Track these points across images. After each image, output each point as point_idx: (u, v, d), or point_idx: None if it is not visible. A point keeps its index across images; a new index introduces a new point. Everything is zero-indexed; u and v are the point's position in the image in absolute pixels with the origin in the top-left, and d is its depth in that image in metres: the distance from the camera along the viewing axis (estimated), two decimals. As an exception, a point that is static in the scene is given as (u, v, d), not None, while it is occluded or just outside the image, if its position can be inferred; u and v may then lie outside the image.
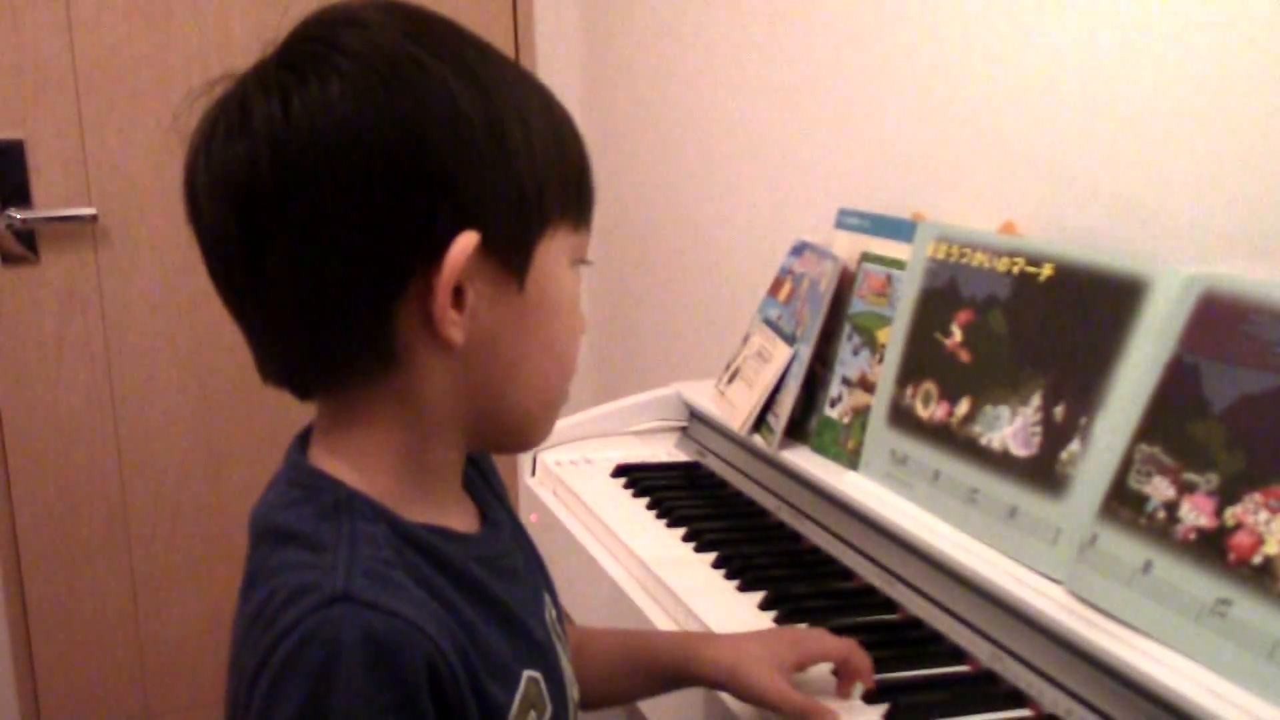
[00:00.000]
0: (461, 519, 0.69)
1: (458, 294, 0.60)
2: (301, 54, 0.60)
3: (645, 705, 1.01)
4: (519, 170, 0.61)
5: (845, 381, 1.12)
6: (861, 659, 0.82)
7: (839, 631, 0.89)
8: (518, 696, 0.64)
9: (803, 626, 0.88)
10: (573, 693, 0.73)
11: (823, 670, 0.85)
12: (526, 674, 0.65)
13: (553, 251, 0.65)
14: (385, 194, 0.58)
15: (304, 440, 0.68)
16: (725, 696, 0.84)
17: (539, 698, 0.66)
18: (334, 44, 0.59)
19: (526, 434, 0.69)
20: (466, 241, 0.59)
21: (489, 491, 0.75)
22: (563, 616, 0.78)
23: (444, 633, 0.58)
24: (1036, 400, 0.86)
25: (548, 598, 0.76)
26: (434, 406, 0.64)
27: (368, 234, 0.58)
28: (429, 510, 0.65)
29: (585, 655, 0.84)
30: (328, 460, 0.64)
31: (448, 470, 0.68)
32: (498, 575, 0.67)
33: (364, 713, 0.54)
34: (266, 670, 0.55)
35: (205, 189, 0.61)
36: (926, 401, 0.98)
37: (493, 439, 0.69)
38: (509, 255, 0.62)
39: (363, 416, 0.64)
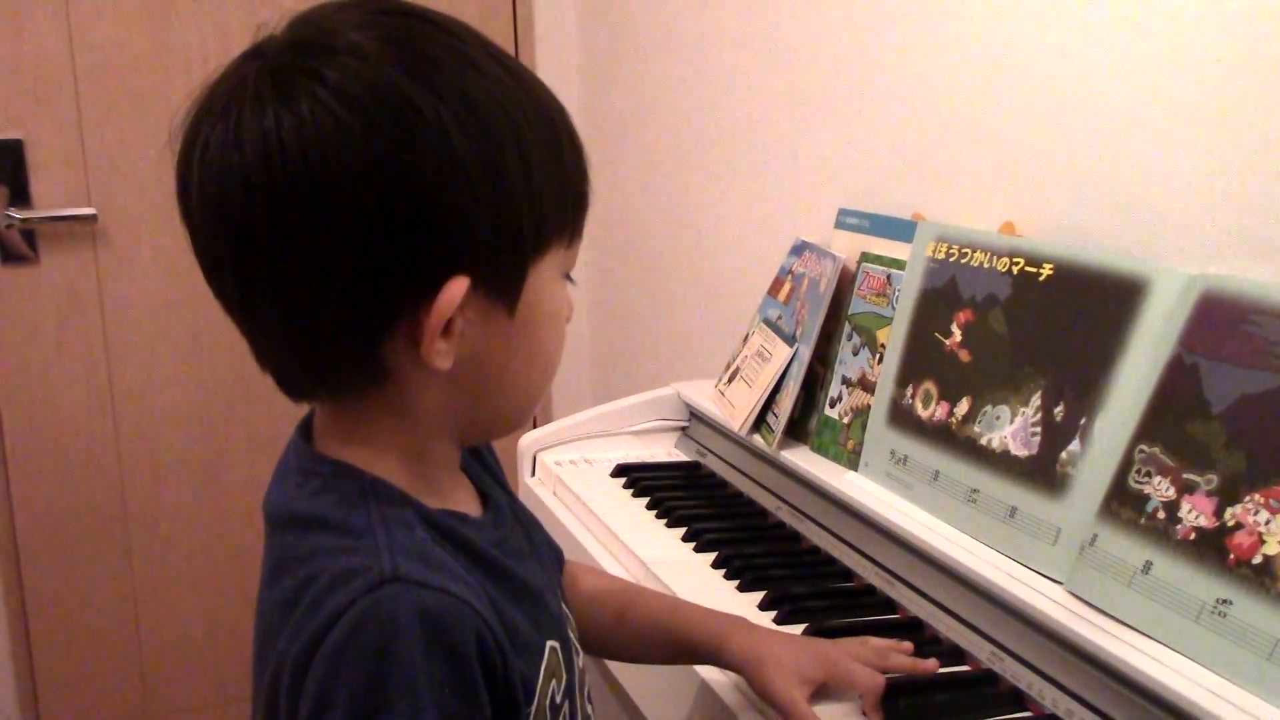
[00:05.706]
0: (466, 504, 0.71)
1: (447, 324, 0.60)
2: (292, 81, 0.57)
3: (644, 702, 1.01)
4: (517, 209, 0.61)
5: (845, 381, 1.12)
6: (876, 700, 0.81)
7: (839, 632, 0.89)
8: (542, 666, 0.65)
9: (847, 641, 0.86)
10: (578, 660, 0.74)
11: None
12: (549, 644, 0.67)
13: (544, 271, 0.65)
14: (377, 240, 0.57)
15: (305, 431, 0.68)
16: (723, 695, 0.85)
17: (558, 666, 0.68)
18: (324, 79, 0.57)
19: (509, 428, 0.71)
20: (457, 289, 0.59)
21: (484, 472, 0.76)
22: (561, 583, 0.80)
23: (485, 608, 0.60)
24: (1036, 400, 0.86)
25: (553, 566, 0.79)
26: (427, 416, 0.65)
27: (358, 276, 0.58)
28: (437, 498, 0.66)
29: (625, 614, 0.87)
30: (337, 452, 0.65)
31: (447, 461, 0.70)
32: (508, 554, 0.68)
33: (424, 687, 0.55)
34: (321, 654, 0.56)
35: (198, 204, 0.60)
36: (926, 401, 0.98)
37: (478, 435, 0.71)
38: (501, 290, 0.63)
39: (360, 421, 0.65)
